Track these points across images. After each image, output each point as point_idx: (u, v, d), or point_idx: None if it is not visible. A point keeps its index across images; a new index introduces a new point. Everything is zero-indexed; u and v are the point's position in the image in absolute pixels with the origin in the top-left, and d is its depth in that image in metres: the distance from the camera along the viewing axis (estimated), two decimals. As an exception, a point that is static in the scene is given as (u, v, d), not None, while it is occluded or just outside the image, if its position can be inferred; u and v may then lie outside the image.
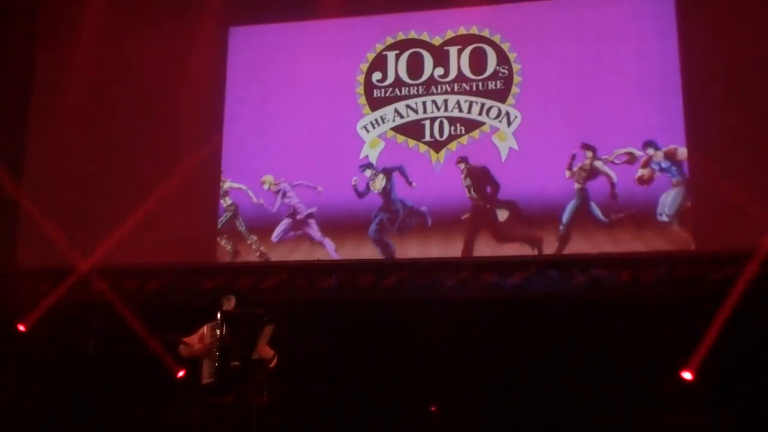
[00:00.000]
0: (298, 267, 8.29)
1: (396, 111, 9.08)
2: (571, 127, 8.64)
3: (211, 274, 8.19)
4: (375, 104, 9.16)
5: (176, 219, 8.41)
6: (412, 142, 9.02)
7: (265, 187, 9.13)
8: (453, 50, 9.13)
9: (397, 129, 9.07)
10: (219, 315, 5.72)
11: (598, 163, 8.60)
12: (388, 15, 9.17)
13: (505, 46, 9.04)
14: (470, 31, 9.12)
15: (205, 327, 5.84)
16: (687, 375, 6.61)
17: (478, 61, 9.01)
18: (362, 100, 9.21)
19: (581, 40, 8.81)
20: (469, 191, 8.73)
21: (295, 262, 8.40)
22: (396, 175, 9.00)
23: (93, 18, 8.74)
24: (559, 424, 6.98)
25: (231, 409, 5.50)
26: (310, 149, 9.05)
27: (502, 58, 8.99)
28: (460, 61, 9.05)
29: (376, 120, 9.14)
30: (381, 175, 8.97)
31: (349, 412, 7.37)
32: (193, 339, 5.83)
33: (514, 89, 8.87)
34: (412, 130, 8.99)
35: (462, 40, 9.12)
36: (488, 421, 7.09)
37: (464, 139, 8.91)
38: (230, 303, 5.88)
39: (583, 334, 7.07)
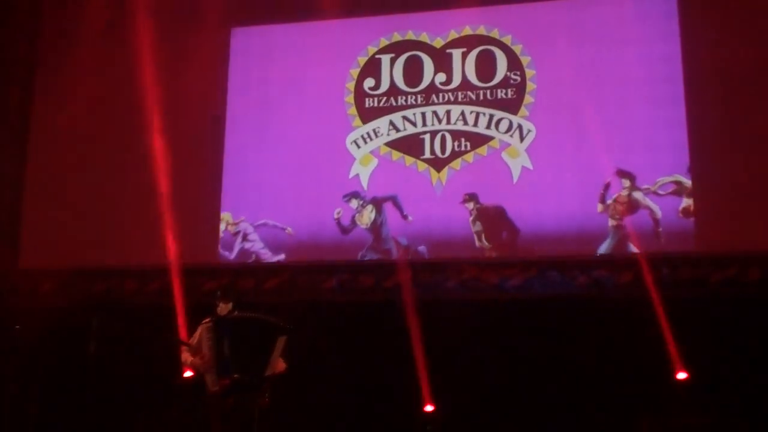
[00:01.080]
0: (300, 268, 8.12)
1: (391, 123, 8.50)
2: (595, 144, 7.92)
3: (212, 275, 8.09)
4: (367, 115, 8.56)
5: (178, 220, 8.23)
6: (409, 160, 8.40)
7: (222, 227, 8.54)
8: (457, 53, 8.52)
9: (392, 144, 8.46)
10: (215, 323, 5.62)
11: (637, 195, 7.84)
12: (383, 15, 8.78)
13: (517, 49, 8.42)
14: (476, 32, 8.53)
15: (199, 328, 5.78)
16: (686, 376, 6.79)
17: (485, 66, 8.41)
18: (352, 110, 8.62)
19: (605, 43, 8.17)
20: (479, 238, 8.09)
21: (297, 262, 8.15)
22: (388, 206, 8.33)
23: (95, 19, 8.77)
24: (560, 424, 7.03)
25: (233, 411, 5.51)
26: (294, 167, 8.54)
27: (514, 63, 8.38)
28: (464, 65, 8.46)
29: (368, 133, 8.53)
30: (370, 207, 8.32)
31: (351, 413, 7.39)
32: (192, 341, 5.84)
33: (528, 99, 8.25)
34: (409, 145, 8.40)
35: (467, 42, 8.52)
36: (489, 421, 7.13)
37: (470, 156, 8.27)
38: (226, 308, 5.76)
39: (584, 335, 7.12)
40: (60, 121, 8.68)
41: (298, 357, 5.96)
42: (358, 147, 8.54)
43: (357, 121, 8.60)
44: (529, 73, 8.33)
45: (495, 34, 8.51)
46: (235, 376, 5.49)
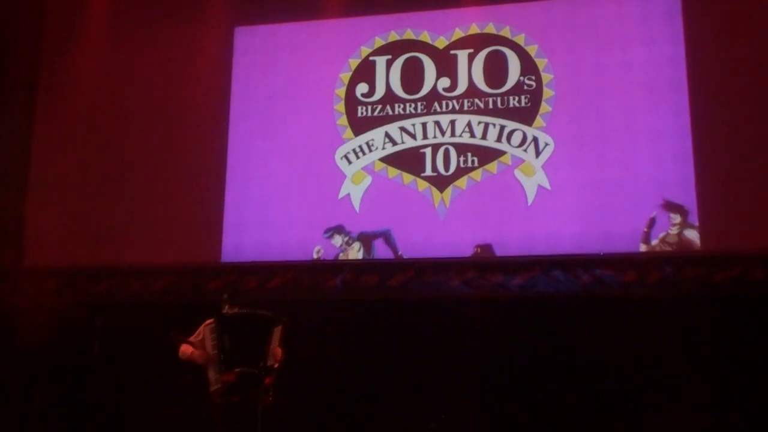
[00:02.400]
0: (304, 267, 8.09)
1: (387, 135, 8.16)
2: (625, 160, 7.57)
3: (216, 275, 8.23)
4: (359, 126, 8.22)
5: (181, 219, 8.36)
6: (408, 178, 8.02)
7: None
8: (462, 55, 8.18)
9: (388, 159, 8.11)
10: (217, 320, 5.87)
11: (690, 233, 7.32)
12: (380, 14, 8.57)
13: (532, 50, 8.04)
14: (485, 30, 8.18)
15: (202, 328, 6.01)
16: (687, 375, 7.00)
17: (495, 70, 8.08)
18: (343, 120, 8.26)
19: (634, 44, 7.79)
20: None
21: (301, 261, 8.09)
22: (379, 243, 7.89)
23: (98, 19, 8.95)
24: (562, 423, 7.20)
25: (237, 410, 5.70)
26: (280, 185, 8.24)
27: (528, 66, 8.02)
28: (471, 69, 8.12)
29: (360, 147, 8.17)
30: (357, 245, 7.89)
31: (354, 412, 7.54)
32: (195, 338, 6.05)
33: (544, 107, 7.88)
34: (408, 161, 8.06)
35: (474, 42, 8.17)
36: (492, 421, 7.33)
37: (477, 174, 7.88)
38: (232, 309, 6.00)
39: (587, 334, 7.30)
40: (64, 121, 8.85)
41: (301, 356, 6.19)
42: (349, 162, 8.17)
43: (348, 132, 8.24)
44: (546, 77, 7.95)
45: (506, 32, 8.15)
46: (237, 369, 5.66)
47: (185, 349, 6.03)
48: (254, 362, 5.74)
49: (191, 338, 6.08)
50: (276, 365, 5.89)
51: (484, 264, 7.76)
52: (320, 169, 8.11)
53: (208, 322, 5.98)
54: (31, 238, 8.66)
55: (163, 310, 7.76)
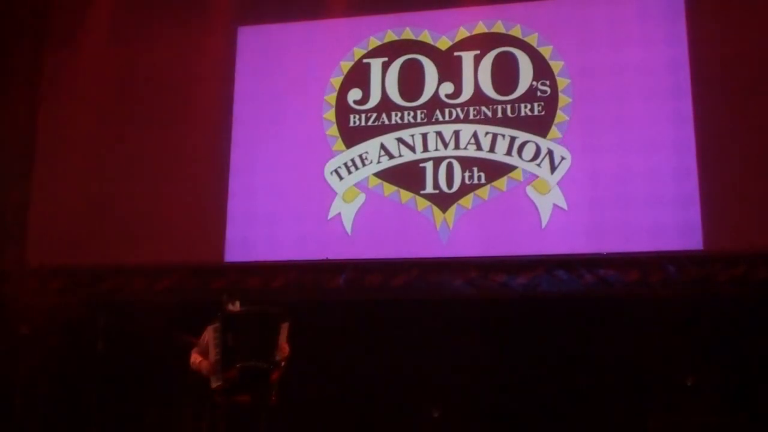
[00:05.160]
0: (307, 267, 8.11)
1: (383, 147, 7.91)
2: (653, 176, 7.28)
3: (219, 274, 8.39)
4: (351, 137, 7.98)
5: (185, 218, 8.33)
6: (406, 195, 7.76)
7: None
8: (467, 57, 7.91)
9: (383, 174, 7.87)
10: (220, 319, 5.99)
11: None
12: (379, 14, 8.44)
13: (546, 52, 7.75)
14: (493, 29, 7.90)
15: (208, 330, 6.12)
16: (691, 375, 7.21)
17: (505, 74, 7.82)
18: (333, 130, 8.00)
19: (658, 44, 7.48)
20: None
21: (303, 261, 8.07)
22: None
23: (101, 19, 9.12)
24: (564, 423, 7.35)
25: (240, 409, 5.88)
26: (267, 203, 8.02)
27: (542, 70, 7.74)
28: (478, 72, 7.86)
29: (352, 161, 7.92)
30: None
31: (357, 413, 7.72)
32: (201, 341, 6.23)
33: (560, 116, 7.58)
34: (406, 176, 7.83)
35: (481, 42, 7.93)
36: (494, 421, 7.53)
37: (484, 192, 7.60)
38: (235, 306, 6.18)
39: (590, 334, 7.47)
40: (67, 120, 9.03)
41: (304, 356, 6.40)
42: (340, 178, 7.92)
43: (339, 144, 7.99)
44: (562, 82, 7.65)
45: (516, 32, 7.86)
46: (238, 365, 5.80)
47: (194, 359, 6.17)
48: (262, 357, 5.90)
49: (198, 341, 6.20)
50: (282, 362, 6.02)
51: (488, 264, 7.77)
52: (307, 186, 7.87)
53: (214, 325, 6.08)
54: (35, 237, 8.85)
55: (166, 309, 7.93)
